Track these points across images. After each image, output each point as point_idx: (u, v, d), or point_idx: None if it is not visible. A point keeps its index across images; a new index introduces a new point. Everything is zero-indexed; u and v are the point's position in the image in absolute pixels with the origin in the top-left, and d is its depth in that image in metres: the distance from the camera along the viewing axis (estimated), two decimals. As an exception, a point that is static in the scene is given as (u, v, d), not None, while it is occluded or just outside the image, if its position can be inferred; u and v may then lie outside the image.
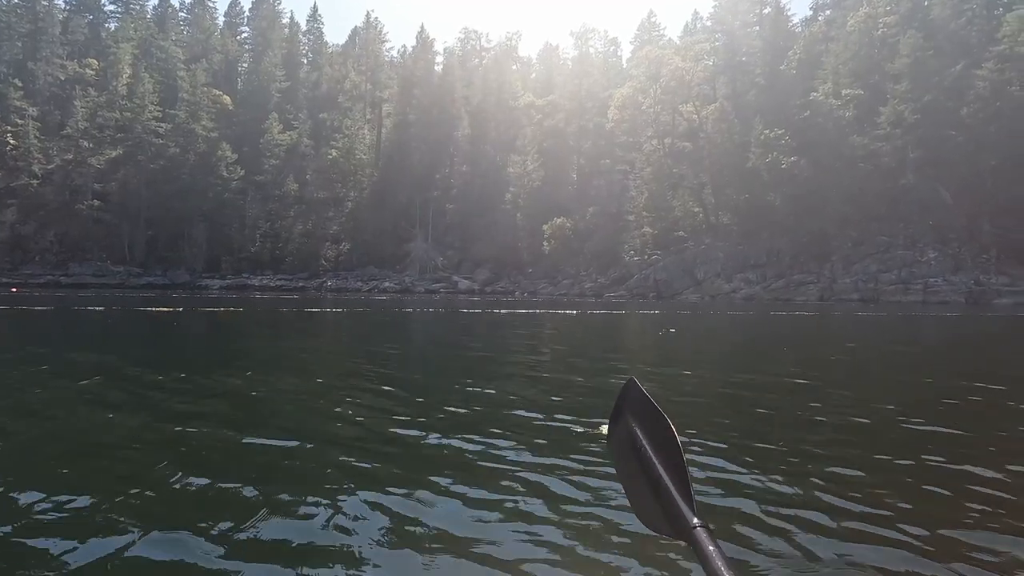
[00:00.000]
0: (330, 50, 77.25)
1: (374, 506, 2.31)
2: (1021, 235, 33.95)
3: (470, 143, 59.06)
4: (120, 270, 47.48)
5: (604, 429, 0.97)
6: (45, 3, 63.70)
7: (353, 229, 52.93)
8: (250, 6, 78.06)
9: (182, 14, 75.81)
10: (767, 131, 39.81)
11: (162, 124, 50.82)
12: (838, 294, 35.70)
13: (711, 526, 0.69)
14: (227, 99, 56.42)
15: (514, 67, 68.90)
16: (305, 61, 73.13)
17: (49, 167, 49.08)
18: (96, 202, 47.72)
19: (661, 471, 0.77)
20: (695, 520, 0.69)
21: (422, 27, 66.66)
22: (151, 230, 48.82)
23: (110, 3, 73.91)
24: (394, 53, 78.21)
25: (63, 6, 68.06)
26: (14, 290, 32.59)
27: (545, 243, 47.40)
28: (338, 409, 4.18)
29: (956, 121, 36.34)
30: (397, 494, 2.41)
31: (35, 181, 47.87)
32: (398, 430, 3.51)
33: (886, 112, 38.40)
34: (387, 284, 49.15)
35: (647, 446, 0.81)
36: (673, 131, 48.47)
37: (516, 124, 57.04)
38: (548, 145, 53.51)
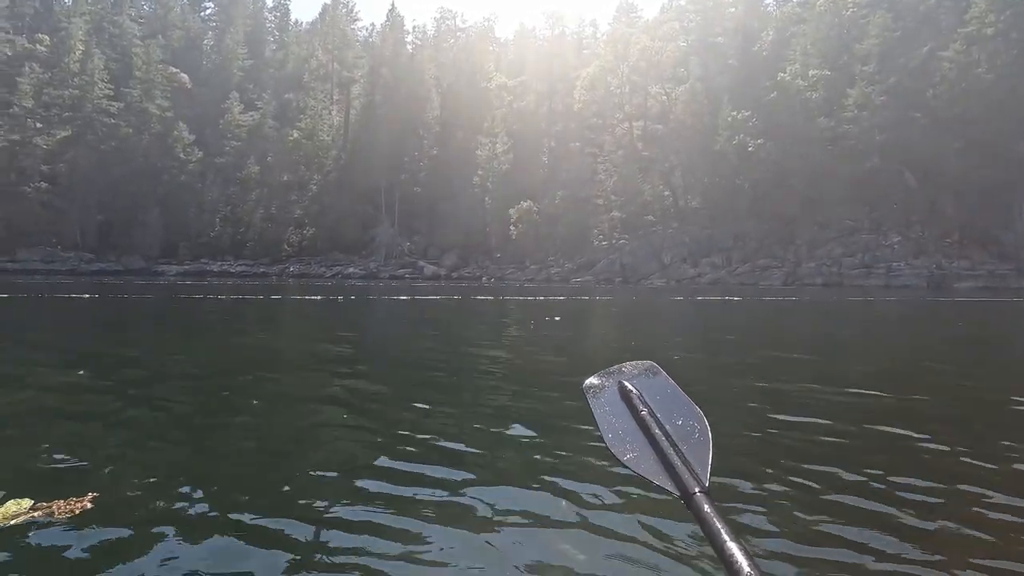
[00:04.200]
0: (299, 28, 74.88)
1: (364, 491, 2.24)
2: (982, 219, 33.81)
3: (440, 125, 57.57)
4: (71, 256, 45.62)
5: (587, 382, 0.92)
6: (-8, -26, 60.59)
7: (317, 213, 51.43)
8: (214, -19, 75.19)
9: (142, -12, 72.71)
10: (734, 113, 39.09)
11: (114, 103, 48.63)
12: (802, 278, 35.36)
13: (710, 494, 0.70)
14: (185, 77, 54.23)
15: (491, 48, 67.30)
16: (271, 39, 70.75)
17: (-6, 148, 46.77)
18: (44, 184, 45.66)
19: (671, 439, 0.78)
20: (697, 488, 0.70)
21: (393, 5, 64.70)
22: (103, 214, 46.89)
23: (64, -24, 70.50)
24: (365, 33, 76.18)
25: (12, -22, 64.76)
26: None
27: (512, 228, 46.48)
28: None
29: (922, 103, 35.93)
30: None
31: (-21, 162, 45.65)
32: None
33: (854, 94, 37.84)
34: (352, 270, 47.98)
35: (655, 412, 0.83)
36: (645, 113, 47.61)
37: (488, 106, 55.68)
38: (518, 127, 52.29)
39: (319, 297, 19.28)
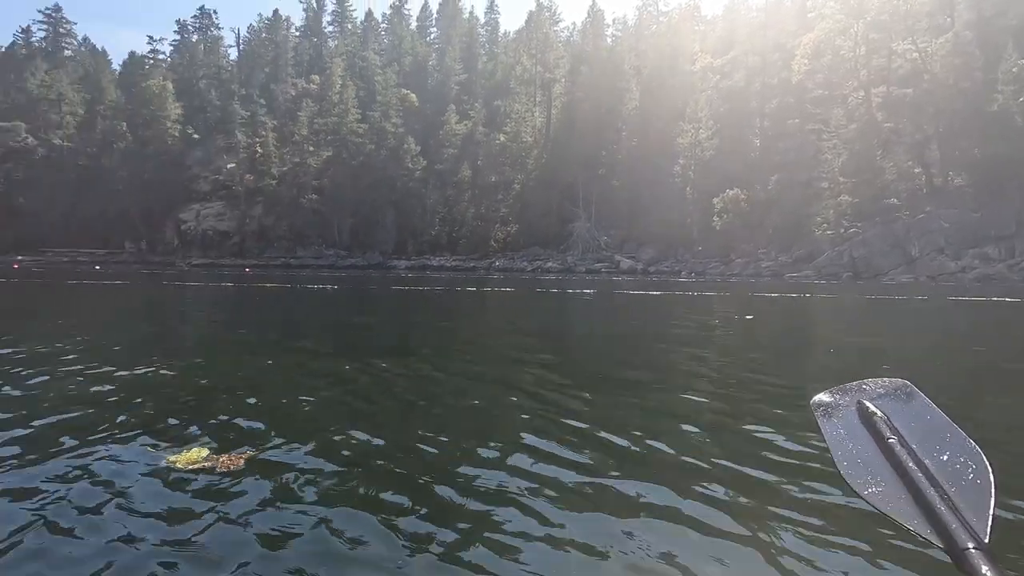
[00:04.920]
0: (507, 38, 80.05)
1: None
2: None
3: (640, 116, 56.15)
4: (331, 253, 56.13)
5: (817, 398, 0.82)
6: (284, 32, 77.44)
7: (520, 211, 54.55)
8: (437, 8, 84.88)
9: (383, 25, 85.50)
10: (1022, 61, 30.39)
11: (361, 125, 58.18)
12: None
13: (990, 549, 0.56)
14: (413, 96, 62.18)
15: (696, 28, 63.41)
16: (482, 52, 76.90)
17: (283, 169, 59.79)
18: (314, 196, 56.89)
19: (932, 477, 0.65)
20: (971, 543, 0.56)
21: (593, 1, 65.26)
22: (353, 218, 56.60)
23: (329, 25, 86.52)
24: (567, 32, 78.13)
25: (296, 32, 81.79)
26: (247, 270, 40.77)
27: (716, 218, 43.20)
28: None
29: None
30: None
31: (274, 181, 58.78)
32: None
33: None
34: (550, 264, 49.83)
35: (908, 442, 0.71)
36: (887, 77, 39.96)
37: (692, 91, 52.54)
38: (725, 110, 48.27)
39: (515, 290, 20.47)
